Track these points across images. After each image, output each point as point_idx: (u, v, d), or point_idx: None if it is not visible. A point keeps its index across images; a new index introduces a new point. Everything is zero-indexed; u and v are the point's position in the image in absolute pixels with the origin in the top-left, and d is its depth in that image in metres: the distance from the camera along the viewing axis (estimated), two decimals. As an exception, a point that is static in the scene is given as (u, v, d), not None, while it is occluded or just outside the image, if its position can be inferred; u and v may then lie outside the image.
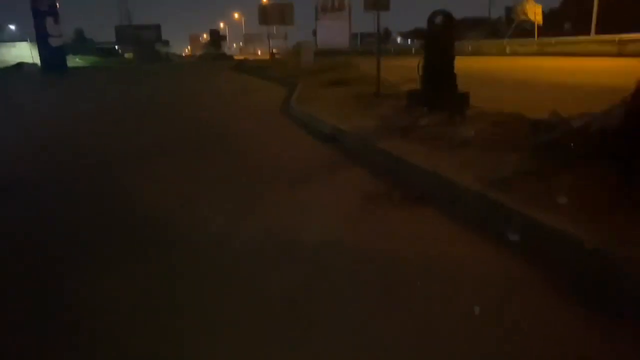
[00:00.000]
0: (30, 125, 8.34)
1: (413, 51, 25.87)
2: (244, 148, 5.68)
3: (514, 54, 26.23)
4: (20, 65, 31.33)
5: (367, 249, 2.72)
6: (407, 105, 6.88)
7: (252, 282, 2.39)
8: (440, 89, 6.29)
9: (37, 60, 29.98)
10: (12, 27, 55.06)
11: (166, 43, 62.21)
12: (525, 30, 30.61)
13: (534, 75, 12.83)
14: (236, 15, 74.53)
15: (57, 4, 28.73)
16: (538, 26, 28.32)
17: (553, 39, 27.33)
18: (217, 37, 61.34)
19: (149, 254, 2.74)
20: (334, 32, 40.47)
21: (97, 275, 2.50)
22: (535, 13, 27.70)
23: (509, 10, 36.81)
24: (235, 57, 46.27)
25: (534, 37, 29.77)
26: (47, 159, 5.44)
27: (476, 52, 29.43)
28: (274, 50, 31.65)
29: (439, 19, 6.41)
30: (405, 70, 12.09)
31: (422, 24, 9.30)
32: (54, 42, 28.24)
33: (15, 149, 6.16)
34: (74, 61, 38.10)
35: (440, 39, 6.44)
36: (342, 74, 12.31)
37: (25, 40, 40.47)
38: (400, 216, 3.21)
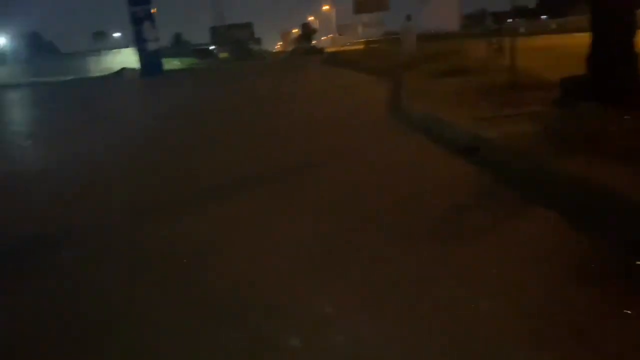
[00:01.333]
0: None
1: (523, 30, 22.86)
2: (350, 174, 4.10)
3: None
4: (121, 71, 32.76)
5: None
6: (562, 98, 5.16)
7: None
8: (618, 75, 4.59)
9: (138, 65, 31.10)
10: (117, 35, 58.14)
11: (258, 41, 62.92)
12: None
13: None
14: (326, 7, 73.16)
15: (153, 10, 29.53)
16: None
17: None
18: (308, 31, 60.71)
19: None
20: (441, 13, 36.50)
21: None
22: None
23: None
24: (327, 50, 45.08)
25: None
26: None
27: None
28: (369, 39, 30.01)
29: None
30: (526, 52, 9.99)
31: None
32: (151, 46, 29.05)
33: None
34: (172, 64, 39.35)
35: (615, 7, 4.71)
36: (455, 62, 10.51)
37: (129, 47, 42.49)
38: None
